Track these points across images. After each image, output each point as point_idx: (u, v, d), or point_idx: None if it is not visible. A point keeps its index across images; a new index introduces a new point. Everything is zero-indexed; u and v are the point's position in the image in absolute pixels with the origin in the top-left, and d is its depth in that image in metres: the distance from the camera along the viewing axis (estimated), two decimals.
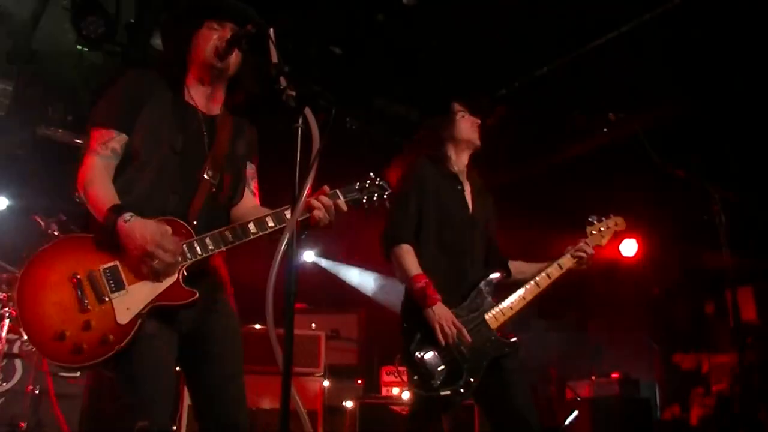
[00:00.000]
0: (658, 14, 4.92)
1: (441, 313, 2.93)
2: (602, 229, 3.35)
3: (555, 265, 3.20)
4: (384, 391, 6.01)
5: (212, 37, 2.38)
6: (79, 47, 5.35)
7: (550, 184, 7.13)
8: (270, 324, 1.88)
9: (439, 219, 3.18)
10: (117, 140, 2.29)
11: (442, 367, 2.90)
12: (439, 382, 2.87)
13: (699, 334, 7.54)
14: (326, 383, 5.81)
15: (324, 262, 9.31)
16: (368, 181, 2.47)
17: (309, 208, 2.27)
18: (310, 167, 1.90)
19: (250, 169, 2.61)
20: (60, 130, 6.66)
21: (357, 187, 2.43)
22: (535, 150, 6.97)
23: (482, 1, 5.12)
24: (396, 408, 5.61)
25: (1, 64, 5.80)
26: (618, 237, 3.39)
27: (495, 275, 3.17)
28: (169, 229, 2.18)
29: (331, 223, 2.32)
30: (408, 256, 3.04)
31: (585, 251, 3.24)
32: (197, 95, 2.46)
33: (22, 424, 5.10)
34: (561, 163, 7.00)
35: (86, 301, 2.09)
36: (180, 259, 2.19)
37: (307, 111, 1.93)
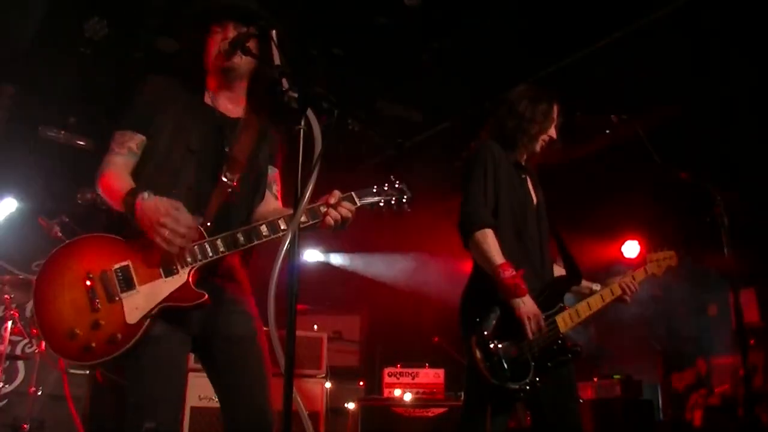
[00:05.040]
0: (660, 15, 4.92)
1: (531, 308, 2.81)
2: (660, 259, 3.31)
3: (608, 289, 3.12)
4: (386, 393, 6.00)
5: (218, 41, 2.41)
6: (81, 48, 5.36)
7: (551, 185, 7.10)
8: (272, 325, 1.88)
9: (512, 207, 3.04)
10: (133, 140, 2.34)
11: (515, 360, 2.80)
12: (509, 374, 2.77)
13: (701, 337, 7.53)
14: (328, 385, 5.81)
15: (333, 258, 9.09)
16: (387, 184, 2.42)
17: (321, 211, 2.25)
18: (312, 169, 1.89)
19: (273, 172, 2.58)
20: (62, 132, 6.68)
21: (374, 191, 2.38)
22: None
23: (484, 1, 5.13)
24: (398, 409, 5.61)
25: (2, 65, 5.82)
26: (670, 271, 3.36)
27: (565, 275, 3.07)
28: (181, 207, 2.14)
29: (343, 226, 2.29)
30: (492, 241, 2.87)
31: (630, 287, 3.17)
32: (219, 99, 2.49)
33: (25, 425, 5.11)
34: (563, 165, 6.99)
35: (97, 300, 2.11)
36: (190, 260, 2.19)
37: (310, 113, 1.93)
